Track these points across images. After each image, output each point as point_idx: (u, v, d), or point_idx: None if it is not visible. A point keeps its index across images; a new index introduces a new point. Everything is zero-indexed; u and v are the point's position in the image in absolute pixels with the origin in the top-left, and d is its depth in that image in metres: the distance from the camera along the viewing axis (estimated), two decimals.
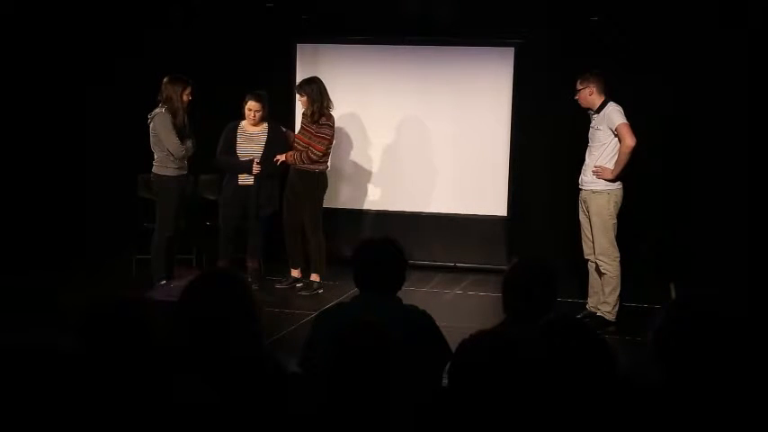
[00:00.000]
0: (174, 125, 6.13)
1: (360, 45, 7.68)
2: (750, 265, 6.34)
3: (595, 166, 5.67)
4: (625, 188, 5.79)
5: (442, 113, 7.56)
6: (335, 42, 7.66)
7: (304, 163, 6.46)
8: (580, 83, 5.73)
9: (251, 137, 6.47)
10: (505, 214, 7.54)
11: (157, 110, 6.14)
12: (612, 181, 5.66)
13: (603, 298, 5.72)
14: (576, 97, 5.76)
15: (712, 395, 1.98)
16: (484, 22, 7.23)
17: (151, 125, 6.16)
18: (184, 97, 6.15)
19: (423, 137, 7.64)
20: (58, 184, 7.30)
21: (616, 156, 5.63)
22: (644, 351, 2.15)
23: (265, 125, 6.48)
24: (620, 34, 6.82)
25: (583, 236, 5.84)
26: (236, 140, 6.46)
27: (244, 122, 6.47)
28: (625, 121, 5.58)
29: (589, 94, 5.70)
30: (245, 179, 6.45)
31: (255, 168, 6.38)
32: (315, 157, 6.44)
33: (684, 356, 2.03)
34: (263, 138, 6.45)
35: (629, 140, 5.54)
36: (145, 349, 2.14)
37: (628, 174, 5.77)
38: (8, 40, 6.87)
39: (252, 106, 6.35)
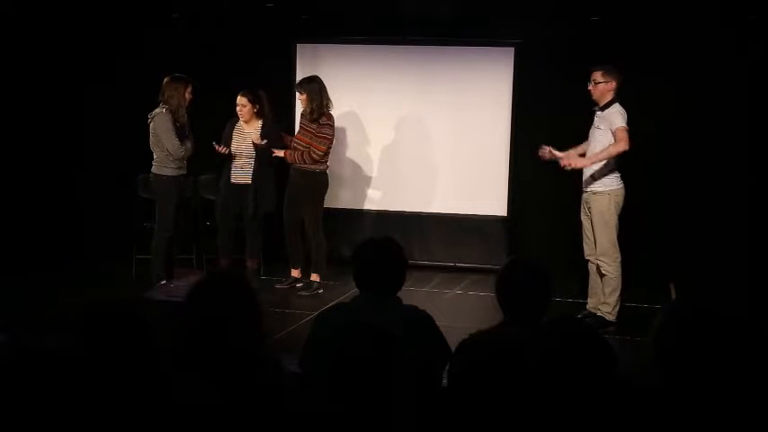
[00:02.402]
0: (175, 125, 6.13)
1: (360, 45, 7.67)
2: (750, 265, 6.35)
3: (560, 154, 5.62)
4: (625, 187, 5.78)
5: (442, 113, 7.56)
6: (335, 42, 7.66)
7: (305, 162, 6.45)
8: (602, 75, 5.60)
9: (245, 134, 6.51)
10: (505, 214, 7.54)
11: (158, 110, 6.14)
12: (611, 170, 5.60)
13: (604, 299, 5.70)
14: (592, 88, 5.64)
15: (712, 395, 1.98)
16: (484, 22, 7.23)
17: (151, 125, 6.16)
18: (186, 96, 6.16)
19: (423, 137, 7.64)
20: (58, 183, 7.30)
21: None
22: (644, 351, 2.15)
23: (260, 123, 6.50)
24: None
25: (584, 236, 5.82)
26: (231, 136, 6.52)
27: (242, 120, 6.53)
28: (625, 125, 5.51)
29: (608, 90, 5.60)
30: (239, 178, 6.48)
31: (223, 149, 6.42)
32: (317, 157, 6.44)
33: (684, 357, 2.03)
34: (256, 134, 6.48)
35: (623, 146, 5.46)
36: (145, 349, 2.14)
37: (627, 174, 5.77)
38: (8, 40, 6.86)
39: (238, 101, 6.45)
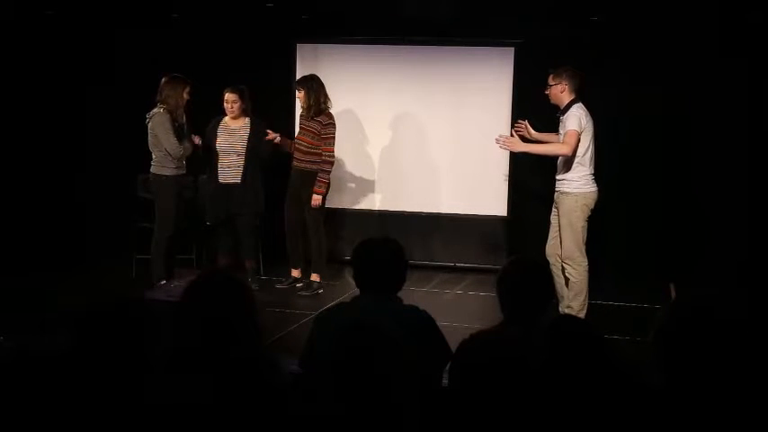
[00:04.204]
0: (174, 125, 6.13)
1: (360, 45, 7.67)
2: (750, 265, 6.34)
3: (500, 136, 5.73)
4: (624, 187, 5.76)
5: (442, 113, 7.56)
6: (335, 42, 7.66)
7: (329, 171, 6.44)
8: (552, 78, 5.57)
9: (232, 131, 6.49)
10: (505, 214, 7.54)
11: (155, 110, 6.14)
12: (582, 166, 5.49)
13: (568, 302, 5.55)
14: (547, 92, 5.61)
15: (712, 395, 1.98)
16: (484, 22, 7.23)
17: (149, 125, 6.16)
18: (184, 96, 6.16)
19: (423, 137, 7.64)
20: (58, 184, 7.30)
21: (586, 157, 5.48)
22: (644, 351, 2.15)
23: (247, 120, 6.48)
24: None
25: (549, 235, 5.71)
26: (216, 134, 6.49)
27: (226, 118, 6.50)
28: (577, 129, 5.40)
29: (560, 91, 5.54)
30: (227, 178, 6.47)
31: (196, 139, 6.38)
32: (331, 159, 6.44)
33: (685, 356, 2.03)
34: (245, 132, 6.45)
35: (565, 150, 5.40)
36: (144, 349, 2.14)
37: (627, 173, 5.76)
38: (8, 41, 6.86)
39: (228, 98, 6.39)
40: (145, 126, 6.20)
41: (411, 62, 7.57)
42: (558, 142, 5.64)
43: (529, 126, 5.79)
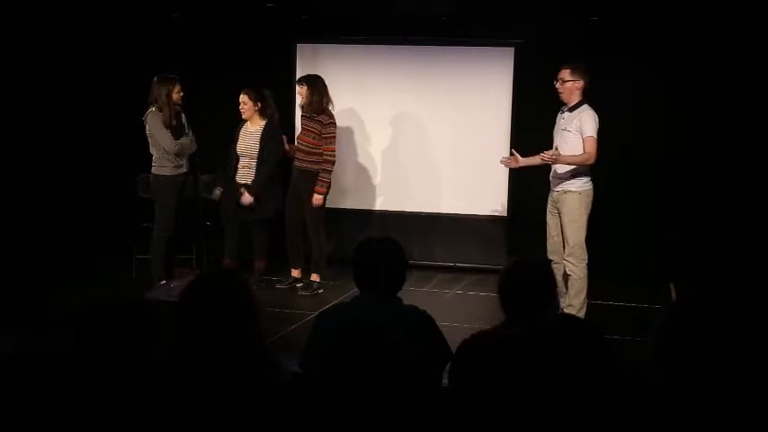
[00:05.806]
0: (171, 124, 6.14)
1: (360, 45, 7.67)
2: (750, 265, 6.34)
3: (547, 154, 5.48)
4: (624, 188, 5.76)
5: (442, 113, 7.56)
6: (335, 42, 7.66)
7: (330, 171, 6.45)
8: (571, 73, 5.53)
9: (248, 133, 6.53)
10: (505, 214, 7.54)
11: (149, 110, 6.18)
12: (583, 176, 5.51)
13: (569, 300, 5.54)
14: (559, 86, 5.57)
15: (712, 395, 1.98)
16: (484, 22, 7.23)
17: (146, 127, 6.19)
18: (174, 96, 6.16)
19: (423, 137, 7.64)
20: (58, 184, 7.29)
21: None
22: (644, 351, 2.15)
23: (263, 122, 6.49)
24: None
25: (548, 236, 5.70)
26: (238, 136, 6.54)
27: (248, 121, 6.55)
28: (595, 135, 5.40)
29: (577, 88, 5.52)
30: (242, 178, 6.50)
31: (245, 199, 6.41)
32: (332, 158, 6.45)
33: (684, 357, 2.03)
34: (257, 135, 6.48)
35: (591, 158, 5.39)
36: (144, 349, 2.14)
37: (627, 173, 5.76)
38: (7, 40, 6.86)
39: (240, 99, 6.46)
40: (144, 127, 6.21)
41: (411, 62, 7.56)
42: (555, 146, 5.65)
43: (517, 155, 5.88)
